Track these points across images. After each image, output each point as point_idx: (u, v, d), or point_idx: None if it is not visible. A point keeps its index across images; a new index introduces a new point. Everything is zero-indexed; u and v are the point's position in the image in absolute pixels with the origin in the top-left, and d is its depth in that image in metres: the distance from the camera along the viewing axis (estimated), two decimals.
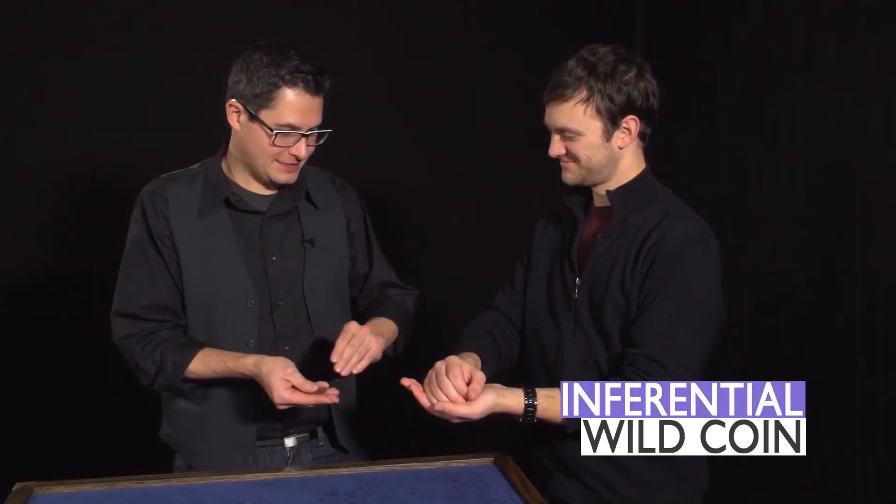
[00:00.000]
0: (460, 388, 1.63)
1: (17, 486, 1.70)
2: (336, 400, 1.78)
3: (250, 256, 1.91)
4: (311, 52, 1.87)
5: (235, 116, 1.86)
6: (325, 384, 1.77)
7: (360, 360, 1.78)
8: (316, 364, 1.91)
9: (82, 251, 2.97)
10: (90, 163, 2.94)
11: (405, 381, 1.68)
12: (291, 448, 1.98)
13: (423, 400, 1.65)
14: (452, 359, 1.68)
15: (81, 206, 2.96)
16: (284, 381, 1.73)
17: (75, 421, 2.97)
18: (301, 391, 1.74)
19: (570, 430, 1.67)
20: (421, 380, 1.69)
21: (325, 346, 1.91)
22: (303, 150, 1.84)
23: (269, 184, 1.92)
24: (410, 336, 2.10)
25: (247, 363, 1.80)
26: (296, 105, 1.80)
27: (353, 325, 1.81)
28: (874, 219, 2.31)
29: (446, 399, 1.62)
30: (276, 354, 1.85)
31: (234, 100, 1.84)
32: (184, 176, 1.94)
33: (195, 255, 1.88)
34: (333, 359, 1.75)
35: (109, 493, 1.70)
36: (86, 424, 2.96)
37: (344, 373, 1.77)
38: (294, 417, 1.95)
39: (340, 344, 1.77)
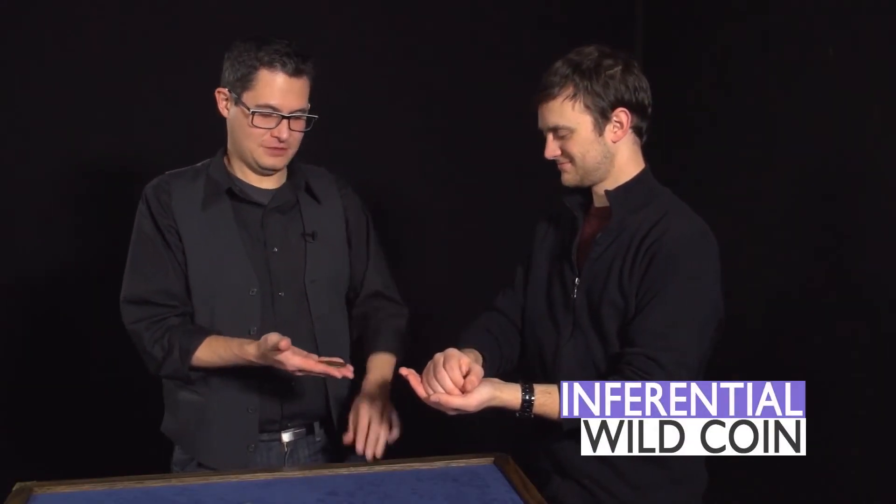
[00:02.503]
0: (457, 380, 1.63)
1: (17, 486, 1.70)
2: (350, 375, 1.80)
3: (252, 247, 1.94)
4: (307, 44, 1.90)
5: (224, 104, 1.91)
6: (339, 360, 1.81)
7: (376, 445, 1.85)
8: (316, 352, 1.93)
9: (81, 253, 2.97)
10: (84, 160, 2.95)
11: (403, 371, 1.69)
12: (288, 444, 1.99)
13: (420, 390, 1.65)
14: (451, 351, 1.68)
15: (75, 211, 2.97)
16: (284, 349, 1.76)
17: (75, 421, 2.97)
18: (310, 359, 1.77)
19: (566, 427, 1.67)
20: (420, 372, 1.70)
21: (323, 337, 1.97)
22: (284, 132, 1.87)
23: (259, 170, 1.95)
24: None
25: (250, 350, 1.82)
26: (274, 86, 1.84)
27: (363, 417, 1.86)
28: (874, 219, 2.31)
29: (442, 390, 1.63)
30: None
31: (222, 87, 1.90)
32: (187, 172, 1.99)
33: (199, 246, 1.92)
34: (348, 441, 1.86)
35: (109, 493, 1.70)
36: (86, 424, 2.96)
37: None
38: (293, 409, 1.97)
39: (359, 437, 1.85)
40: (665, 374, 1.63)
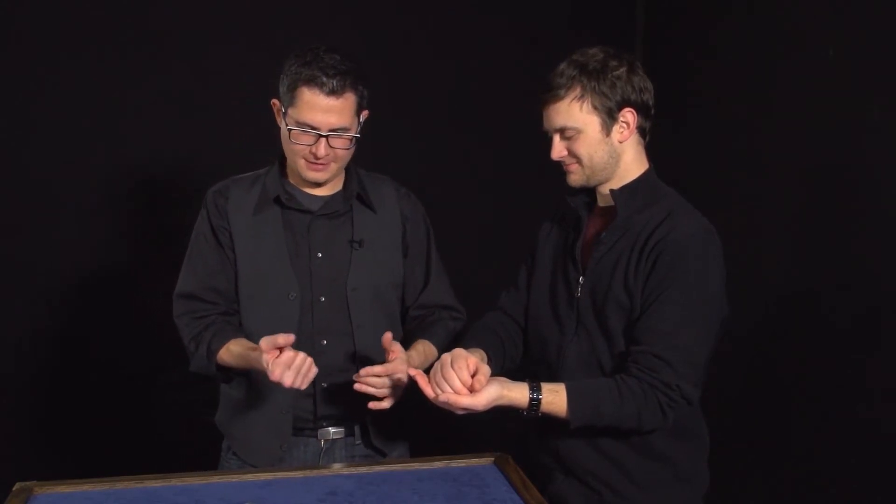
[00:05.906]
0: (465, 380, 1.64)
1: (17, 486, 1.70)
2: (310, 377, 1.75)
3: (297, 252, 1.97)
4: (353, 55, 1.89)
5: (278, 115, 1.93)
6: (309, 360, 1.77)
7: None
8: (352, 361, 1.95)
9: (80, 254, 2.97)
10: (93, 164, 2.95)
11: (411, 371, 1.71)
12: (326, 441, 2.00)
13: (428, 390, 1.66)
14: (458, 351, 1.69)
15: (74, 212, 2.97)
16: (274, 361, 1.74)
17: (75, 421, 2.97)
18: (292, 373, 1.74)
19: (574, 425, 1.67)
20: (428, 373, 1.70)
21: (363, 345, 1.97)
22: (321, 149, 1.87)
23: (305, 182, 1.97)
24: None
25: (261, 360, 1.80)
26: (312, 104, 1.84)
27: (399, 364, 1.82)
28: (874, 218, 2.31)
29: (451, 390, 1.63)
30: (314, 348, 1.91)
31: (275, 99, 1.92)
32: (248, 178, 2.04)
33: (247, 249, 1.97)
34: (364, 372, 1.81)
35: (109, 493, 1.70)
36: (86, 424, 2.97)
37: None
38: (327, 412, 1.98)
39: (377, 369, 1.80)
40: (673, 372, 1.64)
